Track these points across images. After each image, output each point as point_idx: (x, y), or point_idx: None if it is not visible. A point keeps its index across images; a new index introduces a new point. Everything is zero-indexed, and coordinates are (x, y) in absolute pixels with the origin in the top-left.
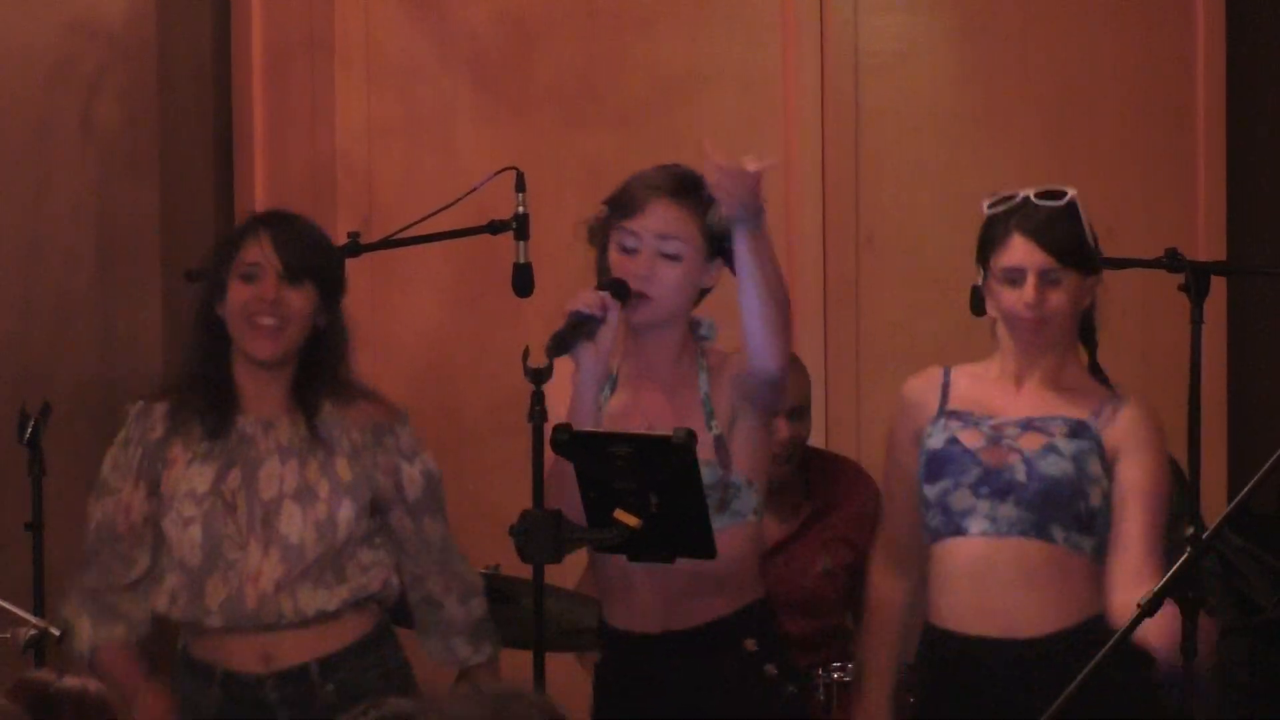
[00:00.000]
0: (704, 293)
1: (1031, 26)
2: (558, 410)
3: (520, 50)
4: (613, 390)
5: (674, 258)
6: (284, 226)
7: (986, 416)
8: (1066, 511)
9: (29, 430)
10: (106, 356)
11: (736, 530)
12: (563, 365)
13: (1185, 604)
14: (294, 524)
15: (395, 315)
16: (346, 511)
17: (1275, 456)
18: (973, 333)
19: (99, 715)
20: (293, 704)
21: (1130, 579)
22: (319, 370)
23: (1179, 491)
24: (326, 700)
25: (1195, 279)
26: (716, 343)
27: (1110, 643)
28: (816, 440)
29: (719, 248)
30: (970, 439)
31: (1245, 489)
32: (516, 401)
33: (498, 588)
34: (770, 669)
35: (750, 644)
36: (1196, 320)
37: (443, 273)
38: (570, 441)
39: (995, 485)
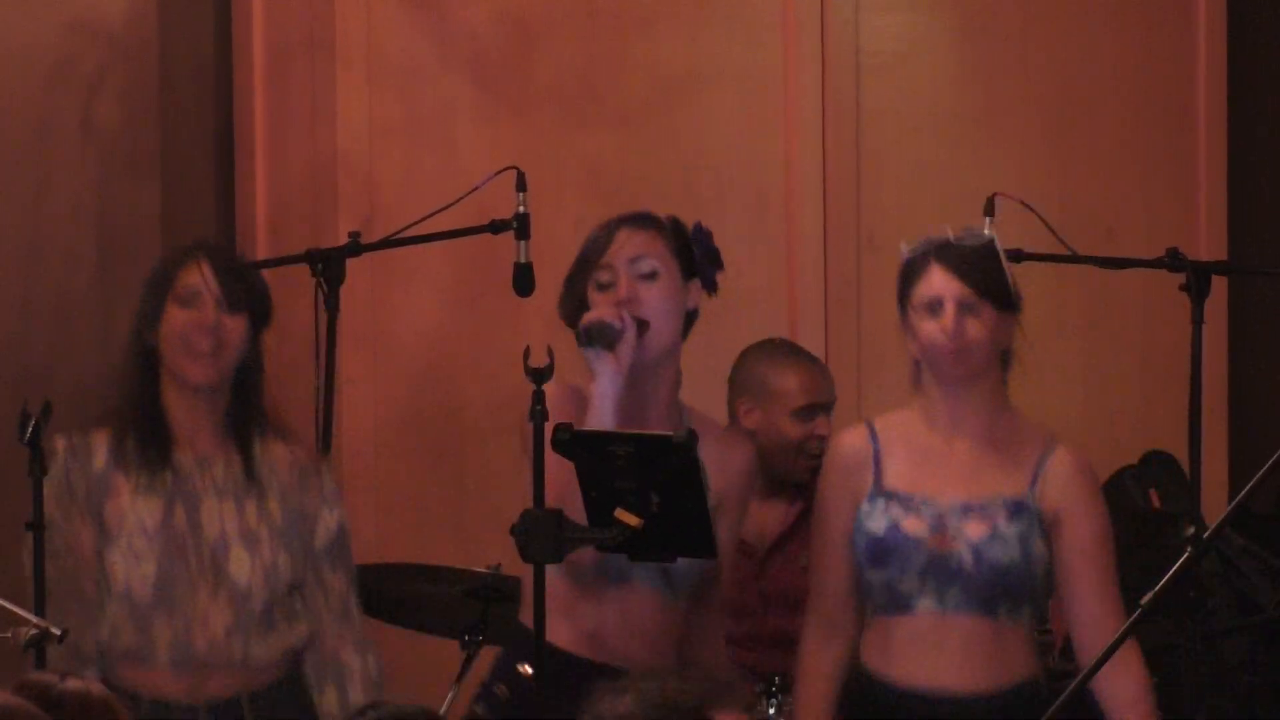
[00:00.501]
0: (690, 319)
1: (1032, 26)
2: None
3: (521, 50)
4: None
5: (651, 276)
6: (221, 255)
7: (925, 500)
8: (1012, 593)
9: (30, 430)
10: (107, 356)
11: None
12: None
13: (1187, 603)
14: (243, 569)
15: (396, 315)
16: (285, 559)
17: (1276, 456)
18: None
19: (103, 718)
20: None
21: (1097, 634)
22: (249, 403)
23: (1181, 491)
24: None
25: (1196, 279)
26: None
27: (1112, 642)
28: None
29: (693, 266)
30: (913, 527)
31: (1246, 488)
32: (517, 401)
33: (498, 587)
34: None
35: None
36: (1197, 320)
37: (443, 272)
38: (571, 440)
39: (942, 572)
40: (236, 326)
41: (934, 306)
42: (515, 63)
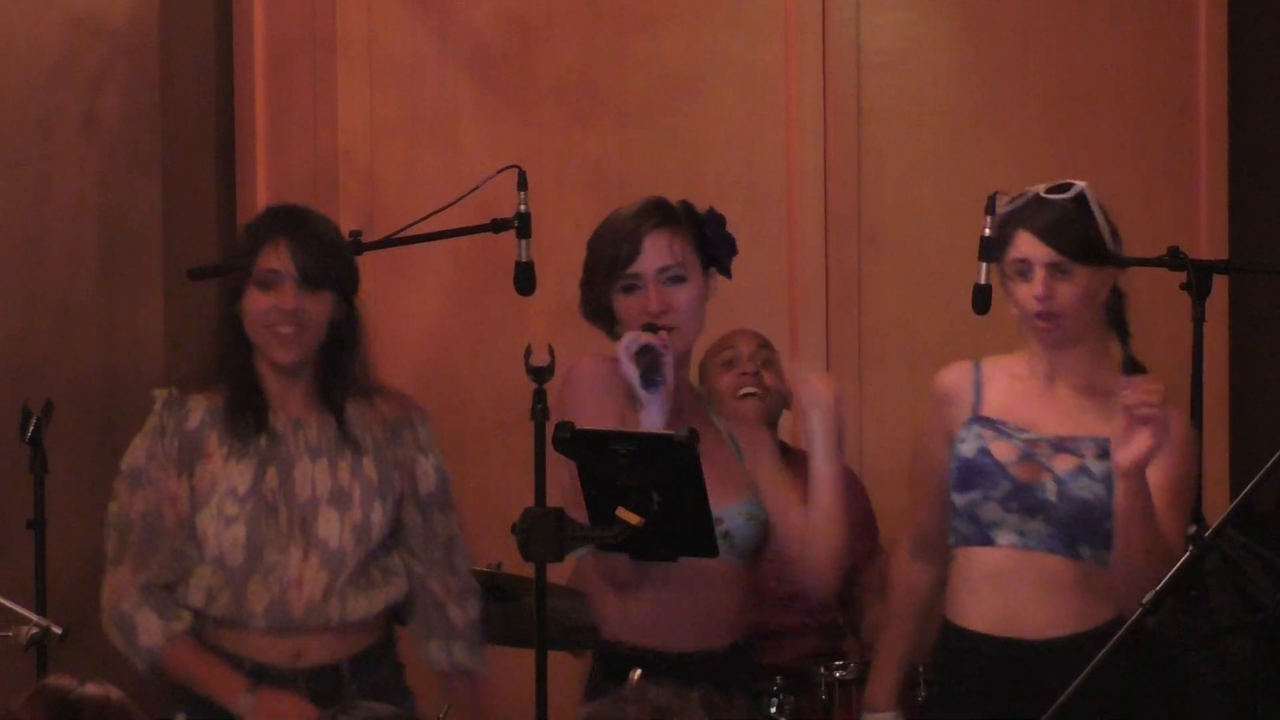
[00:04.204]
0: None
1: (1033, 24)
2: (584, 405)
3: (522, 48)
4: None
5: (678, 280)
6: (301, 230)
7: (1019, 429)
8: (1094, 531)
9: (31, 428)
10: (108, 353)
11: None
12: (595, 366)
13: (1187, 602)
14: (332, 528)
15: (398, 313)
16: (378, 514)
17: (1277, 455)
18: (975, 329)
19: None
20: (321, 699)
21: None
22: (340, 368)
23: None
24: (351, 699)
25: (1197, 277)
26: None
27: (1114, 639)
28: None
29: (710, 254)
30: (1001, 451)
31: (1247, 487)
32: (519, 399)
33: (499, 586)
34: None
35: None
36: (1198, 319)
37: (445, 271)
38: (572, 439)
39: (1025, 501)
40: (318, 304)
41: (1024, 270)
42: (517, 61)
